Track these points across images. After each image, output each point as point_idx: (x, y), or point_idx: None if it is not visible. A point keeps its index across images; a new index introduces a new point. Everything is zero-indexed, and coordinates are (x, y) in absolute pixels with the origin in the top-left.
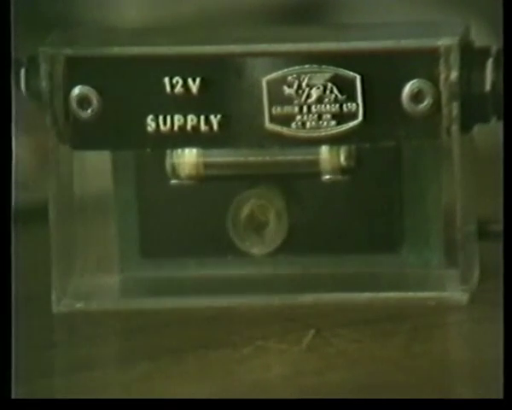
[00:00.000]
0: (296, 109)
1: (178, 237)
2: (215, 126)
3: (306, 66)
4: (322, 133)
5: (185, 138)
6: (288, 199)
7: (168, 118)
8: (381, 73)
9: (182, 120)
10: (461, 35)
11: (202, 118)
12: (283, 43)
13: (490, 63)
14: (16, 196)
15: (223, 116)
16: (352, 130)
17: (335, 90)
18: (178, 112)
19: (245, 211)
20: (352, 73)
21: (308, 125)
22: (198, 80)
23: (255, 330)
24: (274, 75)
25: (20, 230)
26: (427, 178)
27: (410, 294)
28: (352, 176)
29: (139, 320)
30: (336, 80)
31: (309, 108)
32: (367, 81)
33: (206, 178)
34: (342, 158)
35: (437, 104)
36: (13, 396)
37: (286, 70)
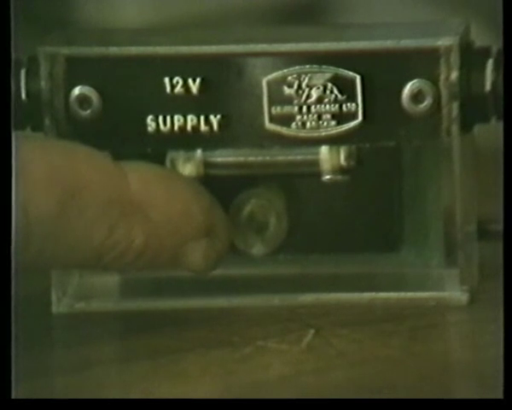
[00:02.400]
0: (296, 109)
1: None
2: (215, 127)
3: (306, 66)
4: (322, 133)
5: (185, 139)
6: (288, 199)
7: (168, 118)
8: (381, 73)
9: (182, 121)
10: (461, 35)
11: (202, 118)
12: (283, 43)
13: (490, 63)
14: None
15: (223, 116)
16: (352, 130)
17: (335, 91)
18: (178, 112)
19: (245, 211)
20: (351, 73)
21: (308, 125)
22: (198, 80)
23: (255, 330)
24: (274, 75)
25: None
26: (427, 178)
27: (410, 294)
28: (352, 176)
29: (139, 320)
30: (336, 80)
31: (309, 108)
32: (367, 81)
33: (206, 178)
34: (342, 158)
35: (437, 104)
36: (13, 396)
37: (286, 70)
